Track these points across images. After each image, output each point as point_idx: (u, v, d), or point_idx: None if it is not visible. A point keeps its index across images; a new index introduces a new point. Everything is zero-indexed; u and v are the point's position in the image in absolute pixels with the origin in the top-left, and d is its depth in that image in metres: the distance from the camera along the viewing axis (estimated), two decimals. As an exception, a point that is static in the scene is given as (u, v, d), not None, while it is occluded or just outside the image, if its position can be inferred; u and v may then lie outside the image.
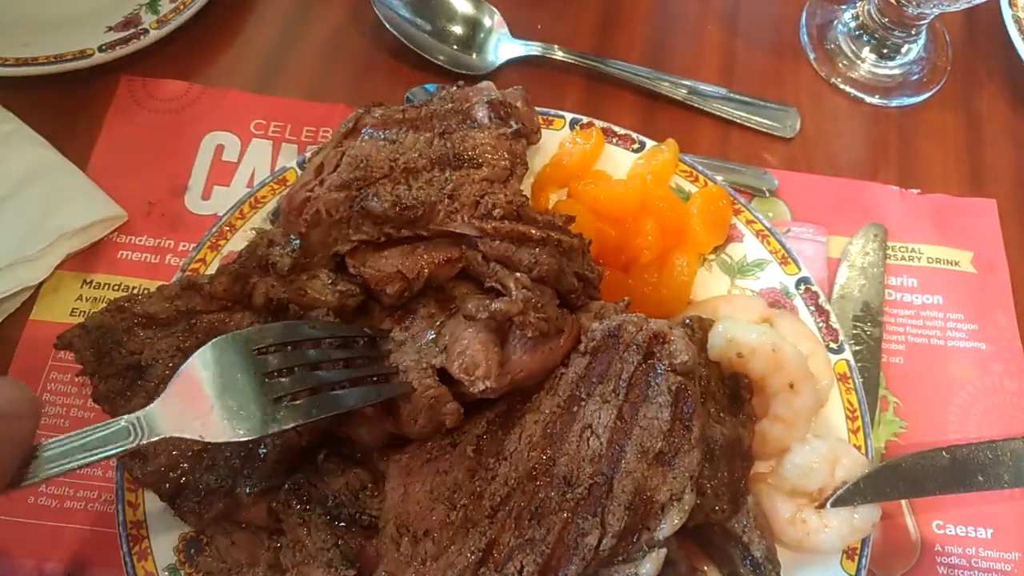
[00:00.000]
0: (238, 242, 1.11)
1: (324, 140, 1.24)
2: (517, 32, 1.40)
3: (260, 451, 0.91)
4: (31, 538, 1.03)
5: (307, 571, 0.88)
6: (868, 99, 1.41)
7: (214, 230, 1.12)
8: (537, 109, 1.16)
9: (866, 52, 1.43)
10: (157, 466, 0.91)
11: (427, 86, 1.33)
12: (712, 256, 1.16)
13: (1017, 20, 1.38)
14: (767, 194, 1.29)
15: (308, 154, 1.17)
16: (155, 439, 0.79)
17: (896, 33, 1.40)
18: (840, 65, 1.43)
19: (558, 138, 1.20)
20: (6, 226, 1.17)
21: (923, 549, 1.07)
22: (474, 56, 1.38)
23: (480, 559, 0.83)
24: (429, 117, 1.06)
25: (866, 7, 1.43)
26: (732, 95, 1.37)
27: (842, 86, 1.42)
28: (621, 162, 1.20)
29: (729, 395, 0.98)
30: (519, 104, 1.10)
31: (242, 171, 1.29)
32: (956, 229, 1.28)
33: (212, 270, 1.08)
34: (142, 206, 1.24)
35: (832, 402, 1.05)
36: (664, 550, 0.84)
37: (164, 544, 0.95)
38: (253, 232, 1.13)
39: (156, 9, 1.34)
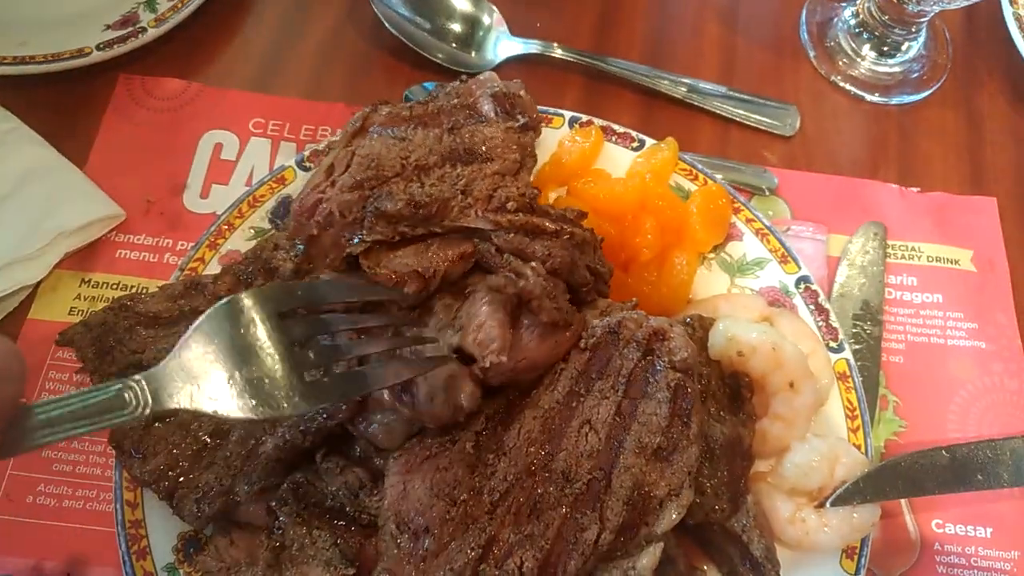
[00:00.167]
0: (237, 241, 1.11)
1: (323, 139, 1.24)
2: (516, 30, 1.40)
3: (261, 450, 0.91)
4: (30, 537, 1.03)
5: (306, 570, 0.88)
6: (868, 97, 1.40)
7: (213, 229, 1.12)
8: (537, 107, 1.15)
9: (866, 50, 1.42)
10: (156, 465, 0.91)
11: (426, 84, 1.33)
12: (712, 255, 1.16)
13: (1017, 17, 1.37)
14: (767, 192, 1.28)
15: (307, 152, 1.17)
16: (161, 409, 0.68)
17: (896, 31, 1.40)
18: (840, 63, 1.43)
19: (557, 136, 1.20)
20: (4, 225, 1.16)
21: (923, 548, 1.07)
22: (473, 54, 1.38)
23: (480, 555, 0.83)
24: (436, 113, 1.06)
25: (866, 4, 1.42)
26: (732, 93, 1.37)
27: (842, 84, 1.41)
28: (620, 160, 1.20)
29: (729, 394, 0.98)
30: (521, 94, 1.10)
31: (241, 170, 1.28)
32: (956, 227, 1.28)
33: (211, 269, 1.08)
34: (140, 205, 1.24)
35: (832, 401, 1.05)
36: (661, 544, 0.84)
37: (163, 543, 0.95)
38: (252, 231, 1.13)
39: (154, 7, 1.33)
